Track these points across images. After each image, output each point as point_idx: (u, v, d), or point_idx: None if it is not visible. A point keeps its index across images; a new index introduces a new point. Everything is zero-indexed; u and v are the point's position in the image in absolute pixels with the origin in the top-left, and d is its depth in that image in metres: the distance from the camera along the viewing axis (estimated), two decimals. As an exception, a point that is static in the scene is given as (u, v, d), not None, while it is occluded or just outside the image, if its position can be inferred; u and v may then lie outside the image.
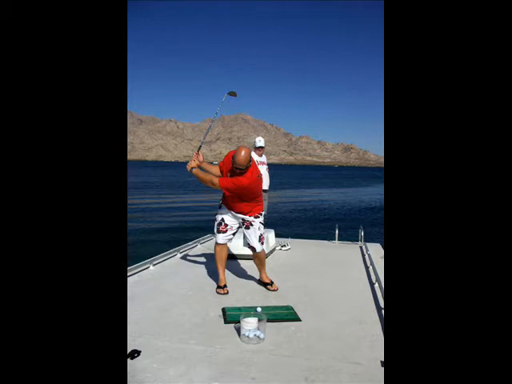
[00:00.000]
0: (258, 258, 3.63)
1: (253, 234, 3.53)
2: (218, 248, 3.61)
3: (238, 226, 3.64)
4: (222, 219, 3.58)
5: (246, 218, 3.51)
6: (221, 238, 3.59)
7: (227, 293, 3.43)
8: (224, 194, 3.51)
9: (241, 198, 3.40)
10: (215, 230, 3.61)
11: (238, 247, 4.68)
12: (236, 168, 3.26)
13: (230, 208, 3.53)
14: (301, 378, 2.03)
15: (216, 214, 3.64)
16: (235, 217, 3.56)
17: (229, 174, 3.39)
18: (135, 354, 2.20)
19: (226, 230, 3.58)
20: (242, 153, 3.21)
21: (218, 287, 3.50)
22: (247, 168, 3.28)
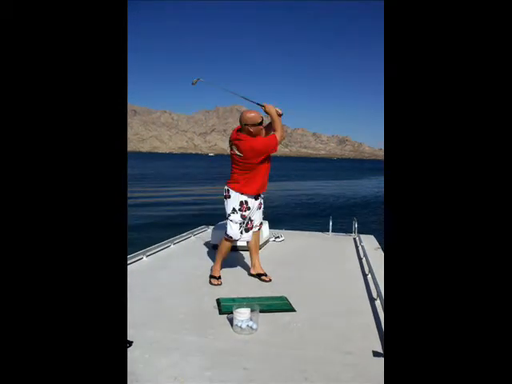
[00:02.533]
0: (257, 238, 3.66)
1: (260, 212, 3.61)
2: (228, 243, 3.51)
3: None
4: (250, 218, 3.44)
5: (261, 196, 3.55)
6: (249, 235, 3.48)
7: (221, 284, 3.43)
8: (247, 181, 3.33)
9: (268, 171, 3.40)
10: (241, 230, 3.41)
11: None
12: (249, 125, 3.23)
13: (260, 189, 3.40)
14: (293, 367, 2.04)
15: (240, 216, 3.37)
16: (254, 205, 3.44)
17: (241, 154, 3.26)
18: (127, 344, 2.20)
19: (252, 226, 3.52)
20: (251, 112, 3.27)
21: (213, 277, 3.49)
22: (259, 127, 3.28)
